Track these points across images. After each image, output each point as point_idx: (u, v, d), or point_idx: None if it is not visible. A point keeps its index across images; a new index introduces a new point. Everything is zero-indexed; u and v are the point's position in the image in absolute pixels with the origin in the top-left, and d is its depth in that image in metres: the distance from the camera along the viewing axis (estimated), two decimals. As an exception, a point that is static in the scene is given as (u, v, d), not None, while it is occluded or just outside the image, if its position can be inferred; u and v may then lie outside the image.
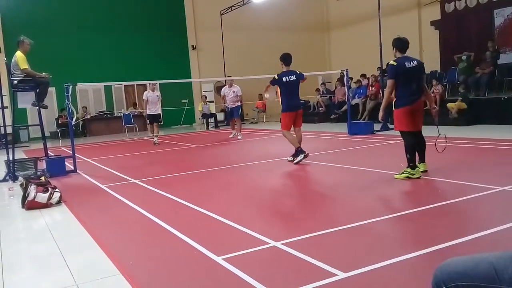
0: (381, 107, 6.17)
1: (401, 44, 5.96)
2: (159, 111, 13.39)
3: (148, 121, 13.51)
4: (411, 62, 5.86)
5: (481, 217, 4.20)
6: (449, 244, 3.35)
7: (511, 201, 4.66)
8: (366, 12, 18.47)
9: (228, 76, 14.03)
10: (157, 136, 13.13)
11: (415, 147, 5.96)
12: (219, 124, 18.83)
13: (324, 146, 9.83)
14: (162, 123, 20.31)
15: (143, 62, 19.43)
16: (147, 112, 13.28)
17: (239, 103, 13.59)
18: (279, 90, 7.92)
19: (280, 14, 21.90)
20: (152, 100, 13.04)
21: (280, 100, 7.94)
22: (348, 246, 3.63)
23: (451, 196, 4.83)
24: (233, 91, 13.43)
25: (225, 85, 13.81)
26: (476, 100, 12.73)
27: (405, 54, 5.95)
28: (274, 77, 7.82)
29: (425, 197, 5.09)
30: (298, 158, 7.57)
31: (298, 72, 7.88)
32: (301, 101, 8.71)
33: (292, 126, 7.95)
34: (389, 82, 5.88)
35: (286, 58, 7.87)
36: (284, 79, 7.71)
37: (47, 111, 14.75)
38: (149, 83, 13.76)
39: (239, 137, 13.02)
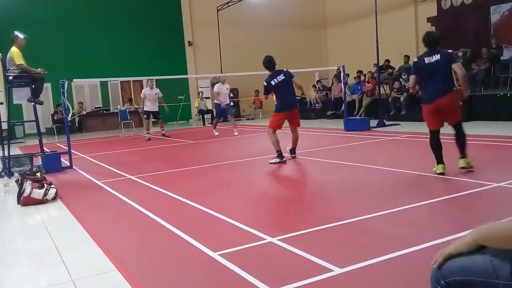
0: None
1: (427, 40, 5.79)
2: (157, 108, 13.45)
3: (145, 116, 13.47)
4: (433, 57, 5.62)
5: (477, 213, 4.22)
6: (446, 239, 3.35)
7: (507, 197, 4.68)
8: (363, 9, 18.47)
9: (220, 74, 14.24)
10: (163, 129, 13.76)
11: (437, 145, 5.76)
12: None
13: (320, 143, 9.84)
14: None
15: (140, 58, 19.38)
16: (145, 109, 13.33)
17: (228, 100, 13.77)
18: (274, 96, 7.68)
19: (277, 10, 21.88)
20: (150, 97, 13.10)
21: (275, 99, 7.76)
22: (344, 242, 3.64)
23: (447, 192, 4.84)
24: (227, 88, 13.61)
25: (218, 82, 13.89)
26: (473, 96, 12.74)
27: (432, 50, 5.70)
28: (264, 84, 7.60)
29: (421, 193, 5.09)
30: (274, 160, 7.47)
31: (285, 70, 7.62)
32: (298, 97, 8.45)
33: (289, 126, 7.78)
34: (410, 78, 5.95)
35: (268, 63, 7.62)
36: (272, 82, 7.49)
37: (43, 107, 14.76)
38: (148, 80, 13.68)
39: (235, 134, 13.05)
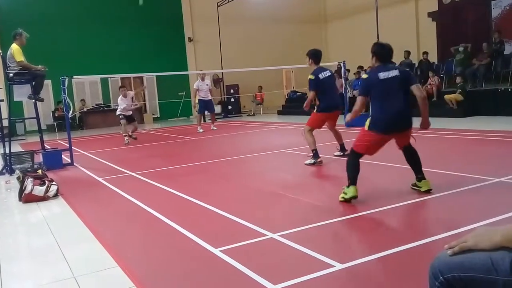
0: None
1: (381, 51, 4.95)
2: (130, 113, 12.52)
3: (124, 120, 12.20)
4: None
5: (478, 208, 4.22)
6: (446, 235, 3.36)
7: (508, 192, 4.68)
8: (363, 4, 18.42)
9: (200, 70, 14.22)
10: (129, 135, 12.31)
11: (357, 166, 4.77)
12: (216, 117, 18.81)
13: (320, 139, 9.81)
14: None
15: (140, 54, 19.37)
16: (118, 112, 12.37)
17: (210, 96, 13.87)
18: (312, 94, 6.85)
19: (277, 5, 21.83)
20: (126, 106, 12.14)
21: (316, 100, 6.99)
22: (344, 238, 3.65)
23: (447, 187, 4.84)
24: (207, 84, 13.70)
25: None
26: (473, 91, 12.74)
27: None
28: (310, 78, 6.75)
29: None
30: (310, 161, 6.88)
31: (330, 70, 7.14)
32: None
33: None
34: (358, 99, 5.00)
35: (316, 55, 6.93)
36: (320, 76, 6.76)
37: (44, 104, 14.79)
38: (120, 90, 12.54)
39: (213, 128, 13.67)
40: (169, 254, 3.57)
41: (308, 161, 6.93)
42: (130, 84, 20.19)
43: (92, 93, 19.46)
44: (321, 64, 7.00)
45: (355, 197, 4.49)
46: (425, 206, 4.31)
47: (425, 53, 15.85)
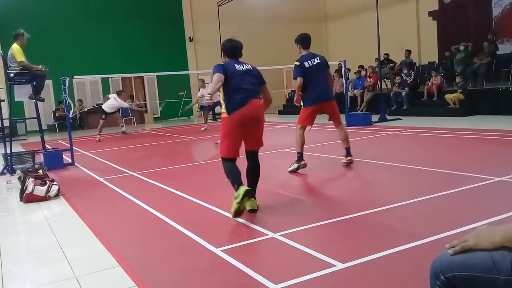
0: None
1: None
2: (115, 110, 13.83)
3: (103, 115, 13.53)
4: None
5: (478, 208, 4.21)
6: (447, 234, 3.36)
7: (509, 191, 4.68)
8: (364, 3, 18.39)
9: (201, 74, 14.83)
10: (122, 131, 14.11)
11: None
12: (217, 117, 18.81)
13: (321, 138, 9.82)
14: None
15: (141, 54, 19.39)
16: (106, 109, 13.52)
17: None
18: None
19: (277, 5, 21.85)
20: (112, 106, 13.51)
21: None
22: (346, 237, 3.64)
23: (449, 187, 4.83)
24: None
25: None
26: (474, 90, 12.73)
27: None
28: (295, 64, 6.17)
29: (422, 188, 5.09)
30: (293, 167, 6.31)
31: (322, 56, 6.36)
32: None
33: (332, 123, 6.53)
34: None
35: (304, 39, 6.34)
36: (306, 64, 6.08)
37: (44, 104, 14.80)
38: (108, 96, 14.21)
39: (203, 128, 14.05)
40: (170, 254, 3.57)
41: (291, 167, 6.32)
42: (130, 84, 20.23)
43: (93, 93, 19.49)
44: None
45: None
46: (425, 206, 4.31)
47: (449, 50, 15.71)
